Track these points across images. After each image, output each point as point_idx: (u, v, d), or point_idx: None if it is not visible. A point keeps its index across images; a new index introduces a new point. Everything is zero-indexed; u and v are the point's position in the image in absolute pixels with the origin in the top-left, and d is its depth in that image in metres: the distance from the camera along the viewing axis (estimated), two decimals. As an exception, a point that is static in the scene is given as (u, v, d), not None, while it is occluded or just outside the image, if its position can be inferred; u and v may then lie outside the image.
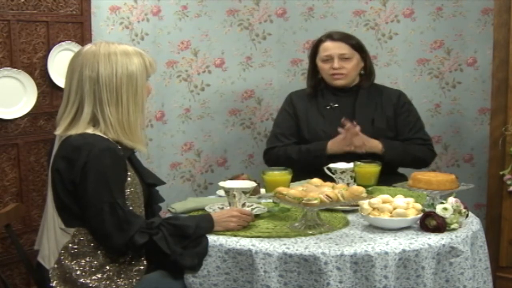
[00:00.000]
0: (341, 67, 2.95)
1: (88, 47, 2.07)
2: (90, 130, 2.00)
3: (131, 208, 2.00)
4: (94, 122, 2.01)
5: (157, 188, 2.21)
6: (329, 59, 2.96)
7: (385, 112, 2.97)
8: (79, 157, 1.93)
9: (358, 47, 2.99)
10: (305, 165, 2.82)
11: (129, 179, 2.02)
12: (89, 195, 1.93)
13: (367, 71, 3.04)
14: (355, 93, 3.00)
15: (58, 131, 2.04)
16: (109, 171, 1.94)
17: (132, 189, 2.03)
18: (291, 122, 3.04)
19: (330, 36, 3.00)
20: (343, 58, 2.95)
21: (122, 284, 1.98)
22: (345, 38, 2.99)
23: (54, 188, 2.00)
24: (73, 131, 1.99)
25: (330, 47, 2.97)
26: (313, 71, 3.06)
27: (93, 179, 1.92)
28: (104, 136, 2.00)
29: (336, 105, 2.98)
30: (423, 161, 2.98)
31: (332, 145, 2.85)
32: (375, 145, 2.85)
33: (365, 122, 2.93)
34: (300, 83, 3.60)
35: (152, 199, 2.18)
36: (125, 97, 2.02)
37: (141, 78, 2.05)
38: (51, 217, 2.02)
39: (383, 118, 2.96)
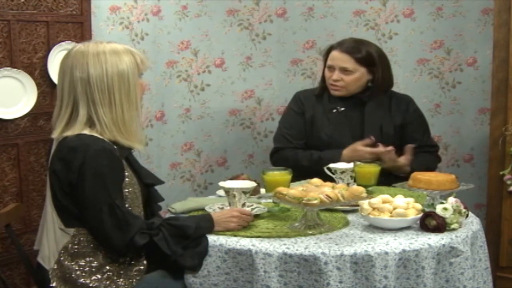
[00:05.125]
0: (340, 79, 2.90)
1: (77, 47, 2.05)
2: (86, 131, 1.99)
3: (129, 208, 2.00)
4: (90, 123, 2.00)
5: (158, 187, 2.21)
6: (331, 68, 2.94)
7: (393, 119, 2.94)
8: (75, 158, 1.92)
9: (364, 61, 2.89)
10: (315, 172, 2.62)
11: (126, 179, 2.01)
12: (87, 197, 1.92)
13: (375, 83, 2.93)
14: (362, 100, 2.97)
15: (54, 134, 2.03)
16: (106, 172, 1.93)
17: (130, 189, 2.03)
18: (299, 123, 3.00)
19: (341, 45, 2.93)
20: (344, 71, 2.89)
21: (122, 284, 1.98)
22: (353, 50, 2.89)
23: (52, 189, 2.00)
24: (70, 132, 1.99)
25: (336, 57, 2.92)
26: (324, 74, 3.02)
27: (90, 180, 1.91)
28: (100, 137, 1.99)
29: (343, 108, 2.96)
30: (430, 170, 2.83)
31: (347, 155, 2.74)
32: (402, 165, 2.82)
33: (374, 128, 2.91)
34: (300, 83, 3.61)
35: (151, 199, 2.18)
36: (117, 96, 2.01)
37: (133, 76, 2.04)
38: (50, 217, 2.02)
39: (391, 125, 2.93)
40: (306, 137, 2.99)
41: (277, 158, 3.00)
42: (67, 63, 2.02)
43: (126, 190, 2.01)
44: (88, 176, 1.91)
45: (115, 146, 2.00)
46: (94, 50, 2.01)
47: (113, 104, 2.00)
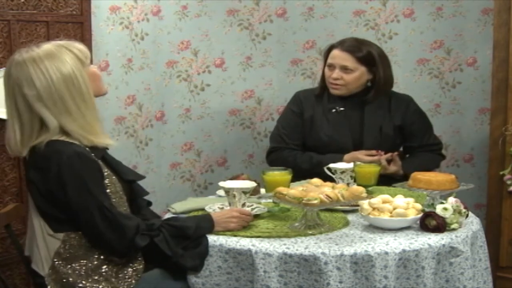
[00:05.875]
0: (340, 77, 2.90)
1: (14, 61, 1.93)
2: (62, 138, 1.94)
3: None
4: (64, 131, 1.95)
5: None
6: (332, 67, 2.93)
7: (393, 120, 2.94)
8: (50, 167, 1.88)
9: (365, 60, 2.89)
10: (314, 173, 2.62)
11: (106, 179, 1.99)
12: (75, 203, 1.89)
13: (375, 83, 2.93)
14: (362, 100, 2.97)
15: (24, 153, 1.95)
16: (85, 176, 1.90)
17: (112, 189, 2.00)
18: (297, 123, 3.00)
19: (341, 44, 2.93)
20: (344, 69, 2.89)
21: (121, 284, 1.97)
22: (354, 49, 2.89)
23: (32, 197, 1.97)
24: (40, 140, 1.92)
25: (336, 56, 2.92)
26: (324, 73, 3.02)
27: (72, 188, 1.88)
28: (71, 141, 1.94)
29: (342, 108, 2.95)
30: (432, 169, 2.90)
31: (348, 162, 2.67)
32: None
33: (374, 129, 2.92)
34: (300, 83, 3.61)
35: (135, 195, 2.16)
36: (71, 102, 1.92)
37: (80, 73, 1.94)
38: (37, 224, 1.98)
39: (390, 125, 2.94)
40: (304, 138, 2.99)
41: (274, 158, 3.00)
42: (12, 80, 1.92)
43: (108, 190, 1.98)
44: (68, 183, 1.87)
45: (87, 148, 1.96)
46: (30, 58, 1.91)
47: (71, 111, 1.92)
